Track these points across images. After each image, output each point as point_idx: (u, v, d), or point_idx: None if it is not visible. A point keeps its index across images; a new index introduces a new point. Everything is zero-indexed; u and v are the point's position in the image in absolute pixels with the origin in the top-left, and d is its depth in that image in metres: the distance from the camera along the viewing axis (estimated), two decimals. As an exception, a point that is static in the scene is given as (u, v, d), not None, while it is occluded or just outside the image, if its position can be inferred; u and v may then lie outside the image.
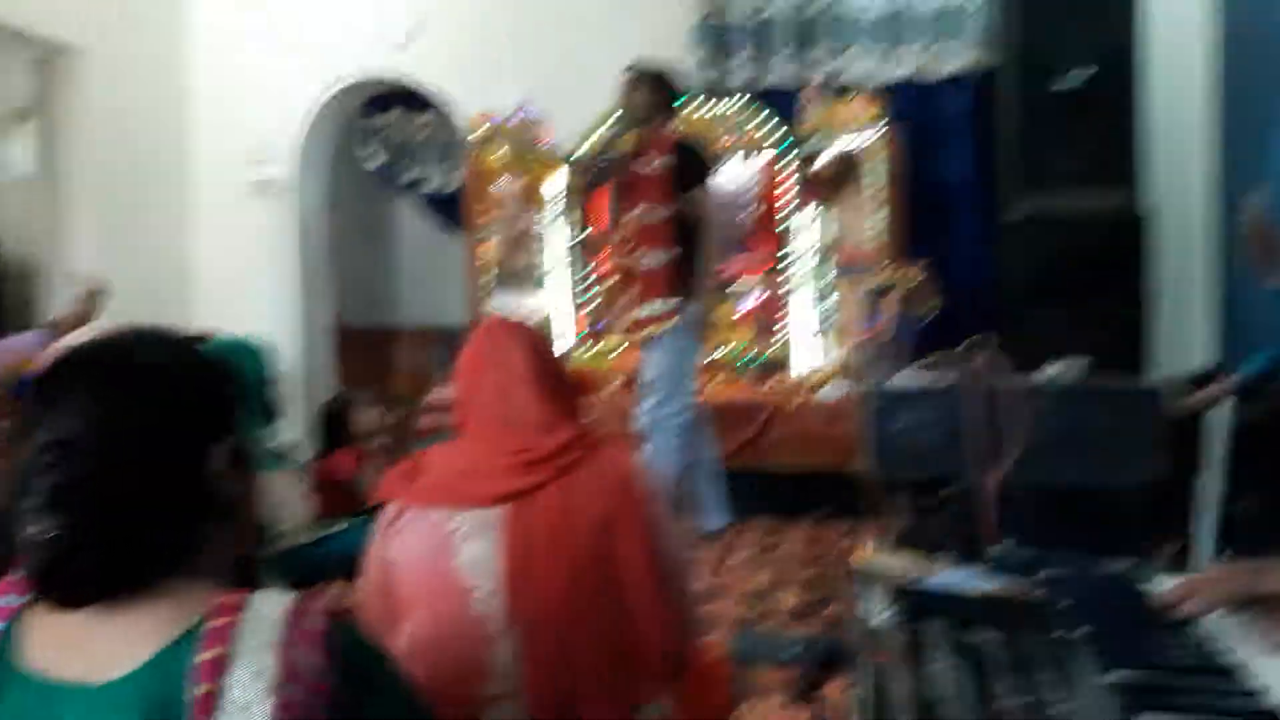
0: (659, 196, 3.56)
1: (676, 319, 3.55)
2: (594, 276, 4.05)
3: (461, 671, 1.44)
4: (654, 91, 3.61)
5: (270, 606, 0.83)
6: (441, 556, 1.48)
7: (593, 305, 4.15)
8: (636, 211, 3.61)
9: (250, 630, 0.80)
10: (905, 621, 0.66)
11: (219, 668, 0.77)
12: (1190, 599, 0.75)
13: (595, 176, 3.74)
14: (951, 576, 0.85)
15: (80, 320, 3.78)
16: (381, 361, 7.22)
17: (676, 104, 3.73)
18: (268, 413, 3.89)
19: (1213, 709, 0.58)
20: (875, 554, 0.90)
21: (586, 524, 1.51)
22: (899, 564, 0.87)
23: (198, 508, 0.88)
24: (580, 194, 4.84)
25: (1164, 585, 0.80)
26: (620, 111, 3.65)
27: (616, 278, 3.82)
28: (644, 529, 1.57)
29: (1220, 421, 2.00)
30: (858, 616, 0.82)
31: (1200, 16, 4.61)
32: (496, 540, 1.48)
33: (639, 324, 3.63)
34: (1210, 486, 2.00)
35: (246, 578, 0.96)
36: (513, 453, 1.55)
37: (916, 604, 0.70)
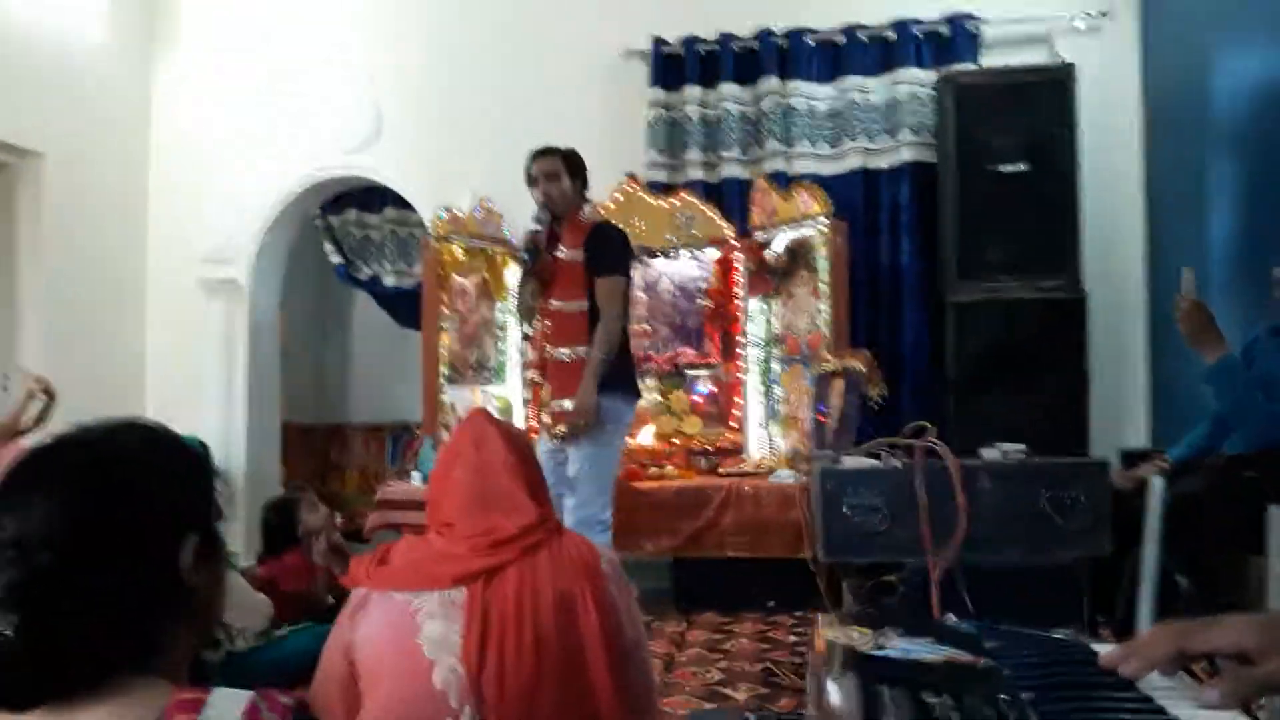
0: (572, 287, 3.39)
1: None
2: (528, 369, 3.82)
3: (424, 743, 1.46)
4: (572, 176, 3.46)
5: (229, 703, 0.81)
6: (404, 634, 1.51)
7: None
8: (552, 303, 3.43)
9: None
10: (858, 690, 0.69)
11: None
12: (1128, 660, 0.79)
13: (525, 271, 3.47)
14: (900, 647, 0.88)
15: (14, 421, 3.67)
16: (329, 459, 7.16)
17: (586, 183, 3.56)
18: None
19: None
20: (828, 630, 0.93)
21: (547, 603, 1.57)
22: (851, 637, 0.90)
23: (164, 603, 0.85)
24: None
25: (1105, 650, 0.84)
26: (540, 200, 3.45)
27: (534, 372, 3.58)
28: (603, 609, 1.62)
29: (1156, 497, 2.07)
30: (811, 690, 0.84)
31: (1129, 106, 4.87)
32: (458, 618, 1.52)
33: (556, 418, 3.40)
34: (1149, 561, 2.06)
35: (199, 677, 0.94)
36: (476, 535, 1.61)
37: (868, 672, 0.73)
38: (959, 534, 2.33)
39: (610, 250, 3.45)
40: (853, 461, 2.70)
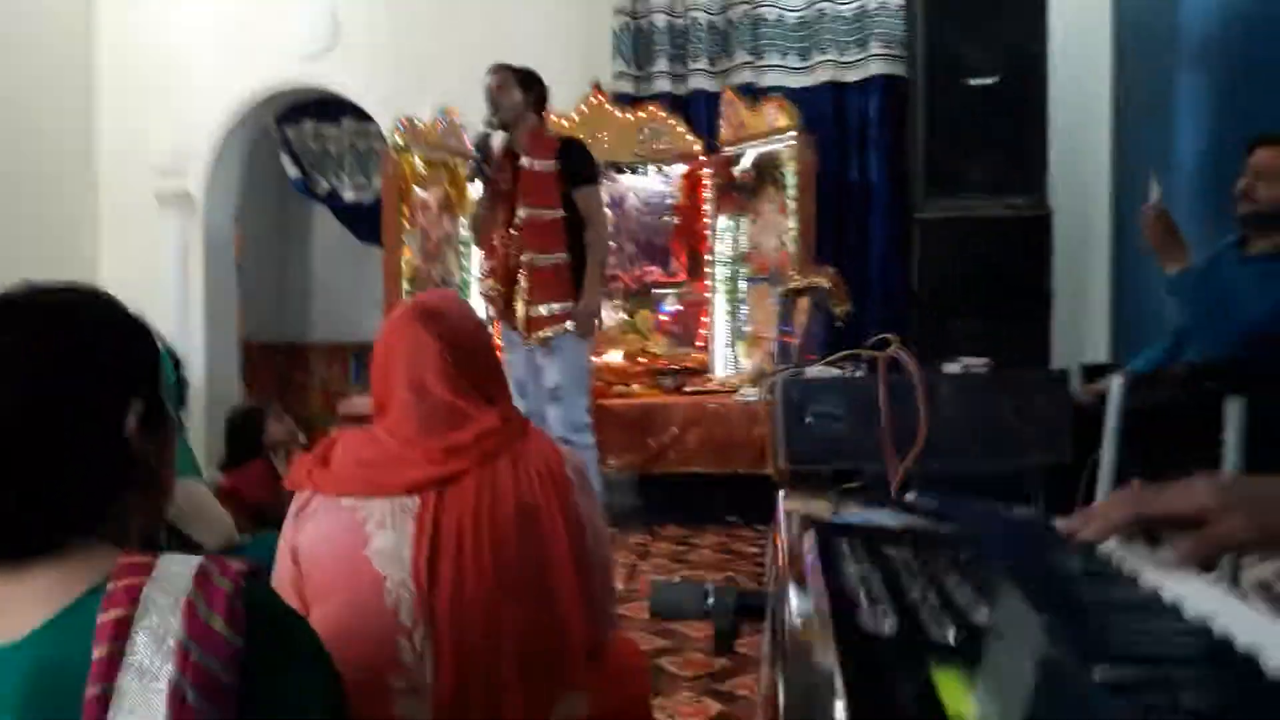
0: (547, 196, 3.51)
1: (571, 321, 3.51)
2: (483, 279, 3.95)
3: (371, 662, 1.39)
4: (523, 90, 3.56)
5: (178, 567, 0.79)
6: (352, 545, 1.42)
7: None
8: (524, 212, 3.53)
9: (157, 591, 0.75)
10: (815, 544, 0.67)
11: (121, 629, 0.73)
12: (1086, 525, 0.78)
13: (471, 174, 3.62)
14: (863, 515, 0.86)
15: None
16: (291, 378, 7.07)
17: (544, 102, 3.69)
18: (181, 423, 3.73)
19: (1107, 603, 0.60)
20: (789, 502, 0.91)
21: (507, 514, 1.46)
22: (814, 507, 0.89)
23: (110, 466, 0.84)
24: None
25: (1064, 520, 0.83)
26: (491, 111, 3.56)
27: (495, 281, 3.70)
28: (570, 521, 1.52)
29: (1115, 398, 2.09)
30: (769, 555, 0.83)
31: (1100, 22, 4.81)
32: (410, 529, 1.43)
33: (533, 324, 3.55)
34: (1107, 462, 2.09)
35: (154, 548, 0.92)
36: (428, 443, 1.50)
37: (826, 531, 0.71)
38: (919, 441, 2.34)
39: (587, 162, 3.65)
40: (815, 372, 2.70)
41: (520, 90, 3.56)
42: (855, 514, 0.86)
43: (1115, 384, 2.05)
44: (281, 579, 1.52)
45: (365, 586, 1.41)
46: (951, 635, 0.48)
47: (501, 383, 1.65)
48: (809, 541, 0.68)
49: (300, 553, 1.48)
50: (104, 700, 0.71)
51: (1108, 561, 0.73)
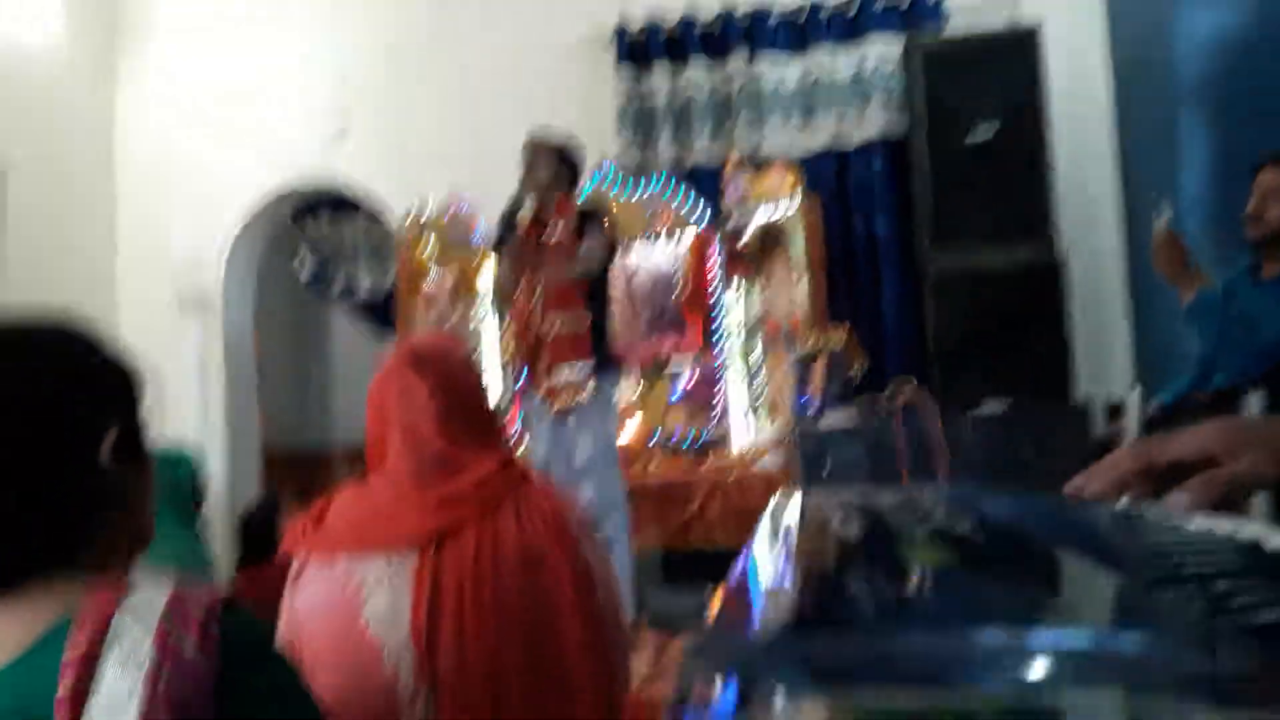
0: (564, 260, 3.59)
1: (593, 389, 3.53)
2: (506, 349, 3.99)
3: (374, 729, 1.33)
4: (555, 163, 3.65)
5: (151, 594, 0.77)
6: (347, 610, 1.37)
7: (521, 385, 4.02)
8: (544, 276, 3.60)
9: (129, 617, 0.73)
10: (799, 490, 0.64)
11: (91, 658, 0.70)
12: (1092, 480, 0.74)
13: (495, 242, 3.69)
14: (862, 495, 0.83)
15: None
16: (315, 482, 7.03)
17: (577, 175, 3.77)
18: (196, 521, 3.71)
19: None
20: (790, 495, 0.88)
21: (511, 561, 1.40)
22: (813, 499, 0.85)
23: (84, 498, 0.83)
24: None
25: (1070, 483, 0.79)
26: (521, 182, 3.65)
27: (513, 348, 3.80)
28: (575, 569, 1.47)
29: (1134, 409, 2.04)
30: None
31: (1096, 64, 4.85)
32: (408, 588, 1.37)
33: (553, 391, 3.57)
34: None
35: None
36: (424, 494, 1.45)
37: (818, 497, 0.68)
38: (941, 478, 2.28)
39: (599, 226, 3.67)
40: (831, 422, 2.66)
41: (550, 163, 3.66)
42: (854, 495, 0.82)
43: (1133, 396, 2.01)
44: (283, 648, 1.47)
45: (362, 653, 1.36)
46: (924, 531, 0.44)
47: (499, 427, 1.61)
48: (793, 502, 0.65)
49: (297, 619, 1.43)
50: None
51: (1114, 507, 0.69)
